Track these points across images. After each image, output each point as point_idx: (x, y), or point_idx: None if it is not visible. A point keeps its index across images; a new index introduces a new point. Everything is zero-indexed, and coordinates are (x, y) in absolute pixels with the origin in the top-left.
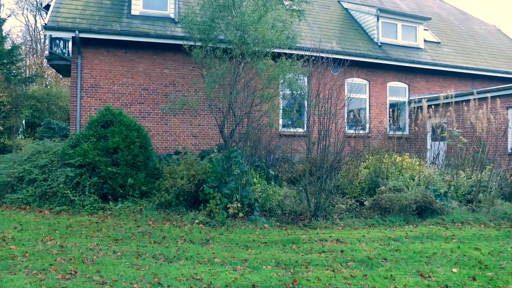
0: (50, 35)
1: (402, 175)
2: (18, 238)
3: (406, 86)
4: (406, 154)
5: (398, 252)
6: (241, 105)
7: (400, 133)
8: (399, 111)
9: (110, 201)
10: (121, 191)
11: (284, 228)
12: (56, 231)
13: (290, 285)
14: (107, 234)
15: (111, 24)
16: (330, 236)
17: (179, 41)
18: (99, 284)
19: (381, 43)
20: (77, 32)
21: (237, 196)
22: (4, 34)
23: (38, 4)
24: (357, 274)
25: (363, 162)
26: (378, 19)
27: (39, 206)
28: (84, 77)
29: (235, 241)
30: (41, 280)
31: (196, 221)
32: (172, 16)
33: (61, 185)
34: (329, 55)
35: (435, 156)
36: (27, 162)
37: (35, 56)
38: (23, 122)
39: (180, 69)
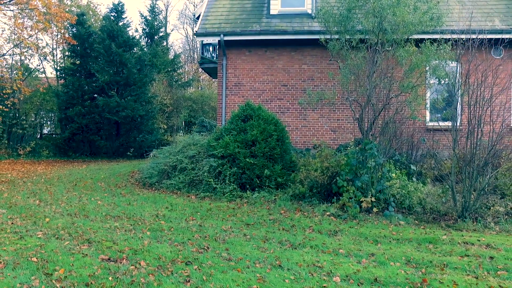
0: (202, 41)
1: None
2: (168, 216)
3: None
4: None
5: None
6: (380, 96)
7: None
8: None
9: (247, 191)
10: (258, 182)
11: (422, 227)
12: (198, 213)
13: (418, 285)
14: (241, 219)
15: (252, 25)
16: (479, 240)
17: (316, 35)
18: (226, 260)
19: None
20: (222, 35)
21: (372, 190)
22: (168, 47)
23: (195, 18)
24: (508, 286)
25: None
26: None
27: (187, 192)
28: (229, 76)
29: (364, 235)
30: (179, 251)
31: (327, 213)
32: (309, 11)
33: (205, 174)
34: (488, 36)
35: None
36: (179, 153)
37: (192, 63)
38: (182, 121)
39: (318, 64)
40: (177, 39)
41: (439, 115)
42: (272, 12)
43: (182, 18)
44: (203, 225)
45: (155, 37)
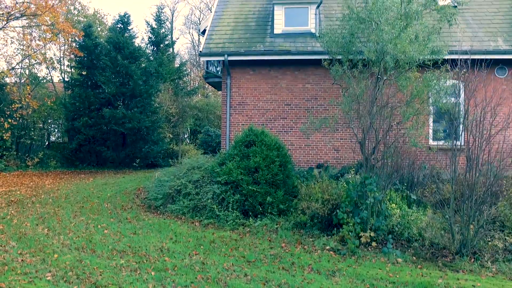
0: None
1: None
2: (172, 250)
3: None
4: None
5: None
6: (382, 123)
7: None
8: None
9: (250, 217)
10: (260, 209)
11: (419, 266)
12: (201, 246)
13: None
14: (242, 254)
15: (256, 45)
16: (473, 286)
17: (320, 56)
18: None
19: None
20: (226, 56)
21: (372, 221)
22: (174, 54)
23: (200, 32)
24: None
25: None
26: None
27: (192, 217)
28: (233, 95)
29: (361, 276)
30: None
31: (327, 247)
32: (313, 31)
33: (209, 200)
34: (492, 56)
35: None
36: (184, 177)
37: (197, 69)
38: (187, 129)
39: (321, 83)
40: (182, 44)
41: (442, 135)
42: (276, 31)
43: (188, 23)
44: (205, 262)
45: (161, 45)
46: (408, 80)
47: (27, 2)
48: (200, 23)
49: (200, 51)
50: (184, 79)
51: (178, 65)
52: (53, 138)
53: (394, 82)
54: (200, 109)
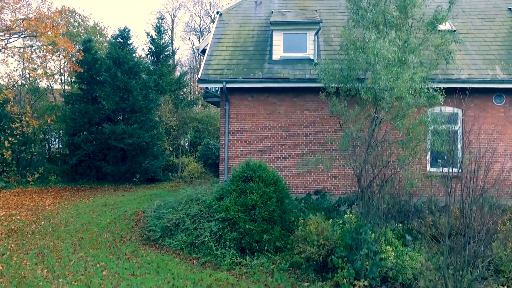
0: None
1: None
2: None
3: None
4: None
5: None
6: (378, 162)
7: None
8: None
9: (247, 255)
10: (257, 247)
11: None
12: None
13: None
14: None
15: (254, 72)
16: None
17: (318, 84)
18: None
19: None
20: (224, 83)
21: (366, 269)
22: (174, 65)
23: (199, 52)
24: None
25: None
26: None
27: (189, 253)
28: (231, 121)
29: None
30: None
31: None
32: (311, 57)
33: (206, 237)
34: (489, 85)
35: None
36: (182, 210)
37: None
38: (187, 142)
39: (320, 110)
40: (183, 51)
41: (440, 161)
42: (274, 57)
43: (188, 29)
44: None
45: (161, 56)
46: (405, 117)
47: (27, 20)
48: (200, 30)
49: (199, 78)
50: (184, 89)
51: (178, 75)
52: (54, 150)
53: (391, 121)
54: (200, 120)
